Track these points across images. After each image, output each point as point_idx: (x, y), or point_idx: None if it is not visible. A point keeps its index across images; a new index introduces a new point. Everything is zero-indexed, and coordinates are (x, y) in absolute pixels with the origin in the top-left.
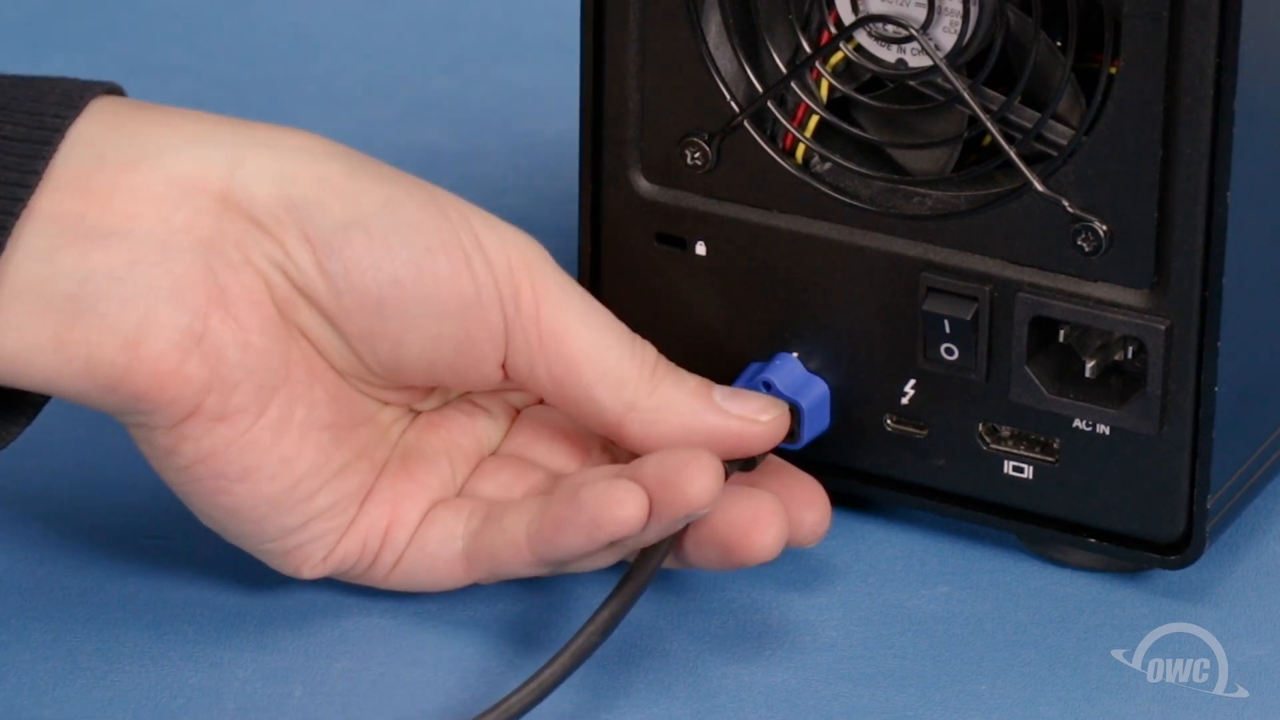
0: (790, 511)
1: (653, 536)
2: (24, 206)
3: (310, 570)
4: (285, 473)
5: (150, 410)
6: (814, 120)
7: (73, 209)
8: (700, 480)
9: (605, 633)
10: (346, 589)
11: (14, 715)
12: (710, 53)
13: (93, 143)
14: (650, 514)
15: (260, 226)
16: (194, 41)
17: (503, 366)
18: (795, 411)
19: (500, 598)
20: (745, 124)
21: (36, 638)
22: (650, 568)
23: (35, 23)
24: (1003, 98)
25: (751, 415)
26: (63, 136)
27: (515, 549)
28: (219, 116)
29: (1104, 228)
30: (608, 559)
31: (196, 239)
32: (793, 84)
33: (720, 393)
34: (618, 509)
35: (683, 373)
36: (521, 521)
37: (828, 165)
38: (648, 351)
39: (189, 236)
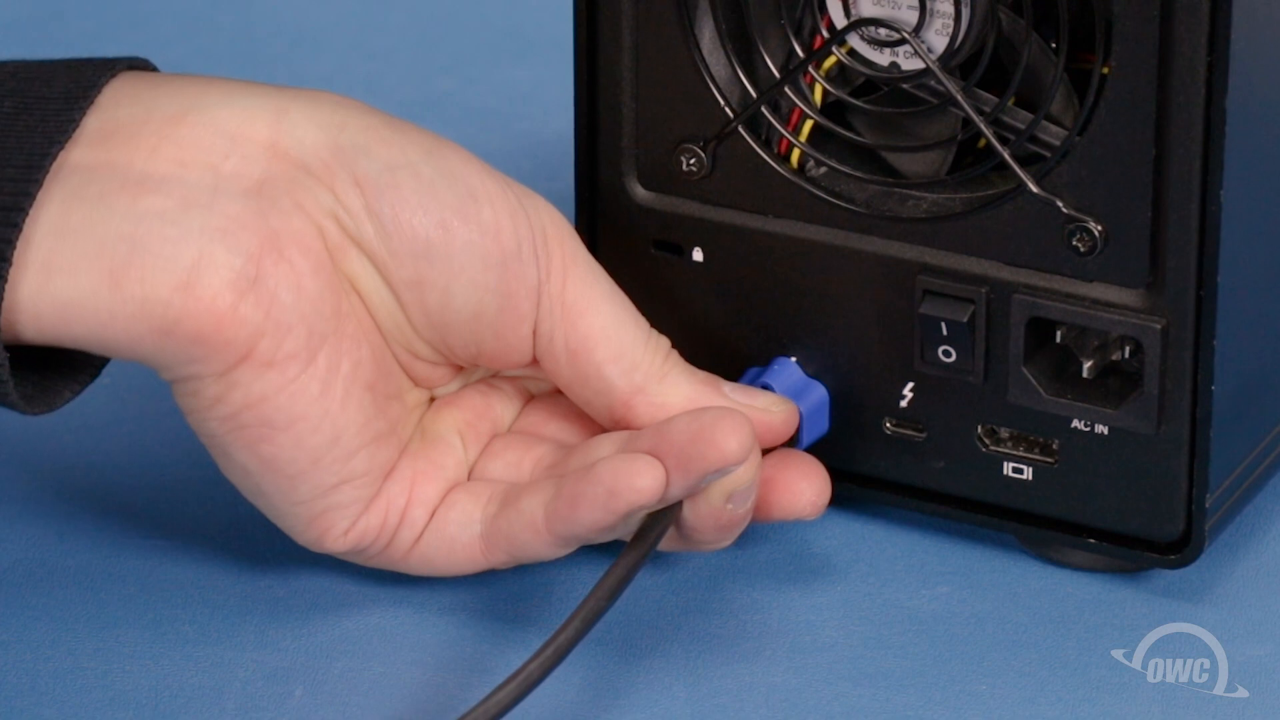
0: (789, 483)
1: (678, 494)
2: (61, 149)
3: (332, 541)
4: (328, 426)
5: (203, 356)
6: (808, 124)
7: (122, 158)
8: (735, 435)
9: (613, 596)
10: (346, 588)
11: (14, 715)
12: (704, 59)
13: (138, 98)
14: (680, 470)
15: (310, 173)
16: (194, 41)
17: (534, 336)
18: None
19: (501, 597)
20: (740, 130)
21: (37, 638)
22: (652, 537)
23: (35, 23)
24: (996, 99)
25: (762, 406)
26: (99, 91)
27: (534, 529)
28: (254, 81)
29: (1099, 228)
30: (628, 531)
31: (247, 185)
32: (786, 89)
33: (729, 386)
34: (635, 479)
35: (693, 367)
36: (538, 502)
37: (823, 169)
38: (662, 341)
39: (239, 183)
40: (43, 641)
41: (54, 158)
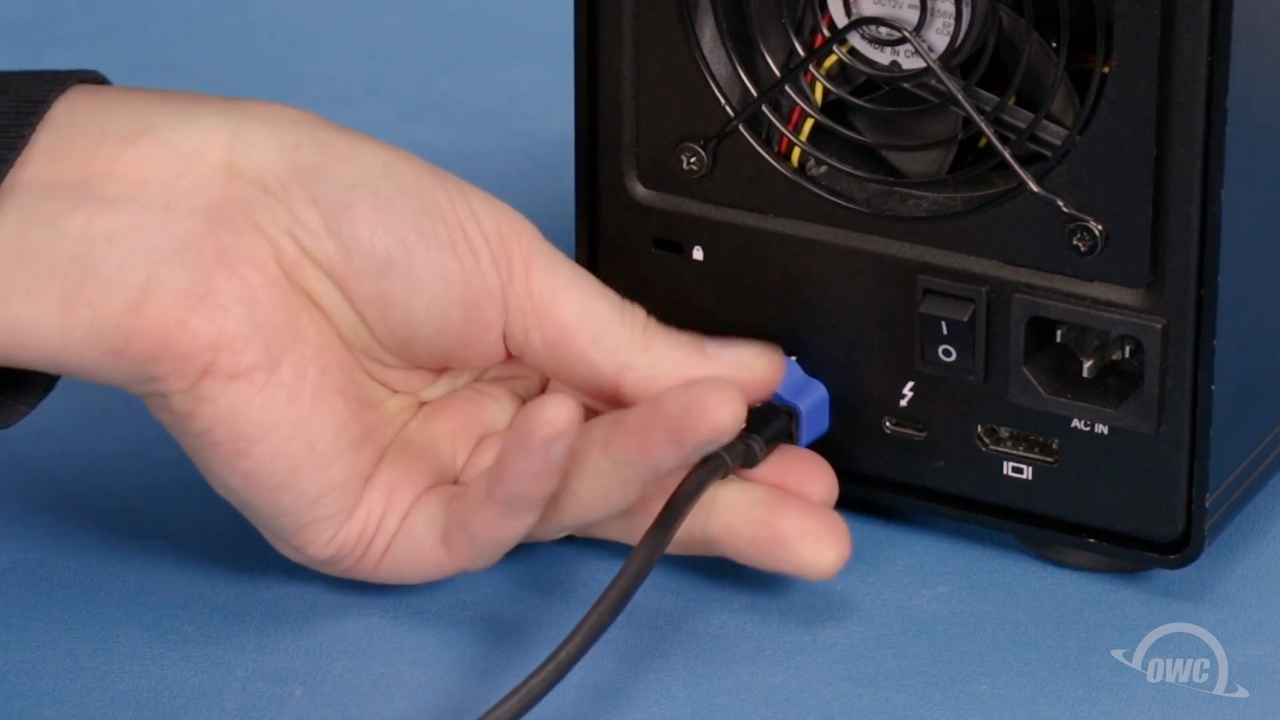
0: (799, 484)
1: (671, 466)
2: (10, 167)
3: (315, 550)
4: (302, 433)
5: (162, 375)
6: (809, 123)
7: (77, 177)
8: (727, 405)
9: (615, 611)
10: (347, 589)
11: (14, 715)
12: (704, 58)
13: (93, 116)
14: (673, 442)
15: (267, 192)
16: (194, 41)
17: (504, 338)
18: (794, 415)
19: (500, 597)
20: (740, 128)
21: (36, 638)
22: (646, 554)
23: (35, 23)
24: (996, 99)
25: (746, 362)
26: (48, 106)
27: (478, 502)
28: (211, 95)
29: (1099, 227)
30: (580, 521)
31: (200, 204)
32: (787, 87)
33: (712, 344)
34: (545, 412)
35: (673, 330)
36: (483, 478)
37: (823, 168)
38: (637, 312)
39: (193, 202)
40: (43, 641)
41: (3, 175)
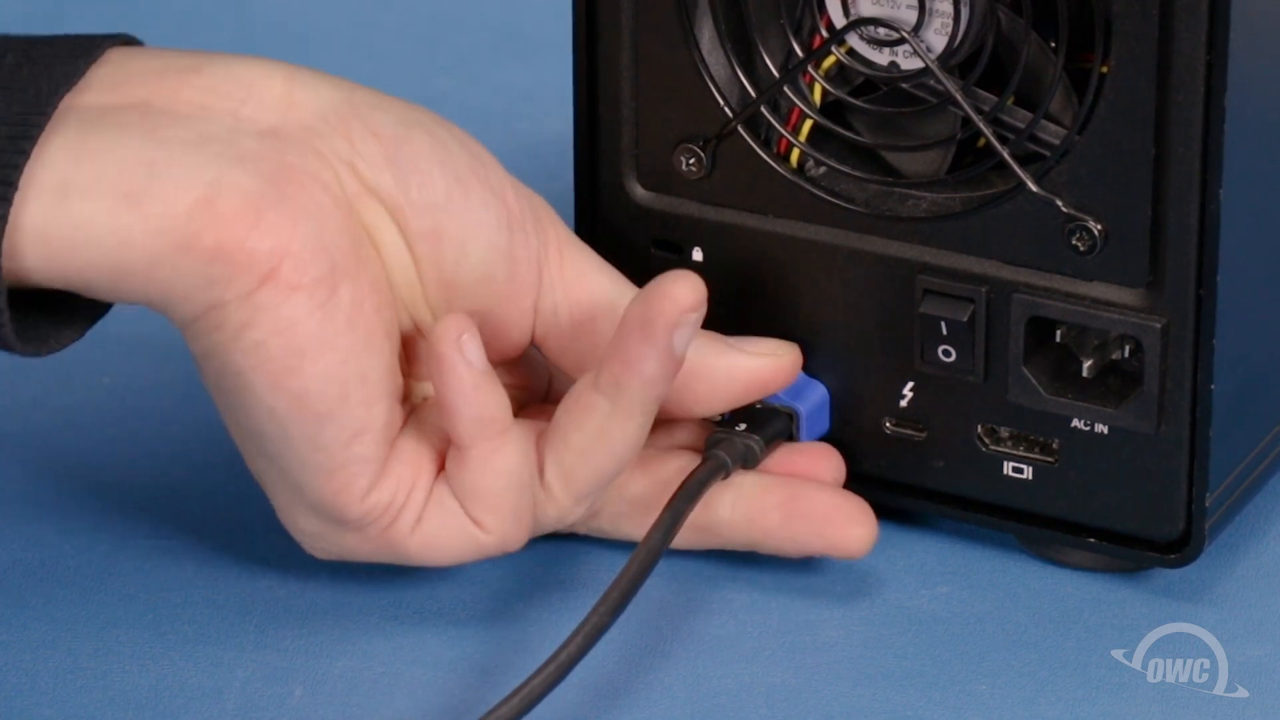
0: (809, 466)
1: (655, 369)
2: (69, 90)
3: (349, 500)
4: (356, 361)
5: (225, 277)
6: (808, 124)
7: (141, 99)
8: (683, 281)
9: (617, 611)
10: (347, 588)
11: (14, 715)
12: (703, 59)
13: (155, 55)
14: (648, 340)
15: (326, 122)
16: (194, 41)
17: (533, 313)
18: (794, 416)
19: (501, 597)
20: (739, 129)
21: (37, 638)
22: (648, 554)
23: (34, 23)
24: (995, 99)
25: (769, 350)
26: (104, 50)
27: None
28: None
29: (1098, 227)
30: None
31: (264, 128)
32: (786, 88)
33: (731, 339)
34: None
35: None
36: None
37: (822, 169)
38: None
39: (257, 125)
40: (43, 641)
41: (61, 95)
